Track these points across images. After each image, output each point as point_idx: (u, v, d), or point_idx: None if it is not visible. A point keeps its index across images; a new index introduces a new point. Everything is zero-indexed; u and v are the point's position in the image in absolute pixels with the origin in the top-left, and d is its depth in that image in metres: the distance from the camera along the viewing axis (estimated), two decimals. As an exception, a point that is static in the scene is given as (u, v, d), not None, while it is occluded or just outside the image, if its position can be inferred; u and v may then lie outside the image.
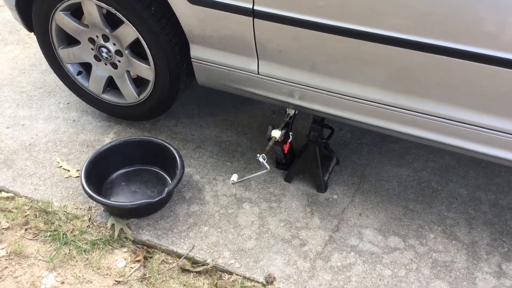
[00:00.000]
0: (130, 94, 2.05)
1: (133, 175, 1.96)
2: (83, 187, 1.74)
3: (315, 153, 1.87)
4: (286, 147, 1.85)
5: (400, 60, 1.44)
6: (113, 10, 1.77)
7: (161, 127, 2.21)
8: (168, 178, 1.91)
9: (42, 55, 2.15)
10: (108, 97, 2.14)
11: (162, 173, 1.95)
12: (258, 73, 1.71)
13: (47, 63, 2.16)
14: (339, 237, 1.76)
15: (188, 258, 1.69)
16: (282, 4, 1.47)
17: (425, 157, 2.07)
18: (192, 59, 1.80)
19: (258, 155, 1.70)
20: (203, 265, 1.67)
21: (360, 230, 1.79)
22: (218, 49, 1.71)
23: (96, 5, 1.79)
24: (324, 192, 1.92)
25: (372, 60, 1.49)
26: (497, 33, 1.26)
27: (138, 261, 1.69)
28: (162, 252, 1.71)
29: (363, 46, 1.45)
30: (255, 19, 1.54)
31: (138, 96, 2.03)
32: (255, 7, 1.51)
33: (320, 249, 1.72)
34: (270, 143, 1.74)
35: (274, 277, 1.63)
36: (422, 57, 1.39)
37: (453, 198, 1.90)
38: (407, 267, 1.67)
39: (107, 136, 2.16)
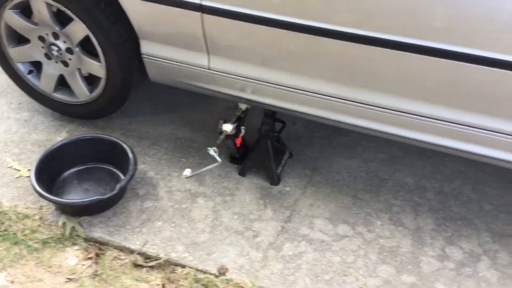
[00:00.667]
0: (82, 92, 2.04)
1: (85, 174, 1.95)
2: (32, 185, 1.72)
3: (267, 147, 1.91)
4: (238, 141, 1.88)
5: (346, 54, 1.50)
6: (62, 8, 1.77)
7: (115, 125, 2.21)
8: (122, 175, 1.91)
9: (-8, 55, 2.12)
10: (59, 96, 2.12)
11: (116, 170, 1.95)
12: (209, 68, 1.74)
13: (-3, 63, 2.13)
14: (291, 227, 1.81)
15: (141, 254, 1.70)
16: (230, -1, 1.52)
17: (374, 149, 2.15)
18: (142, 55, 1.82)
19: (209, 148, 1.73)
20: (156, 259, 1.68)
21: (311, 220, 1.84)
22: (168, 45, 1.74)
23: (45, 2, 1.79)
24: (277, 185, 1.96)
25: (320, 54, 1.55)
26: (431, 25, 1.34)
27: (90, 258, 1.69)
28: (114, 248, 1.72)
29: (312, 40, 1.50)
30: (203, 14, 1.57)
31: (90, 94, 2.03)
32: (203, 2, 1.54)
33: (272, 240, 1.76)
34: (221, 136, 1.78)
35: (226, 268, 1.65)
36: (366, 50, 1.45)
37: (400, 187, 1.98)
38: (355, 253, 1.73)
39: (59, 135, 2.14)
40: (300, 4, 1.46)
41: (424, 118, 1.56)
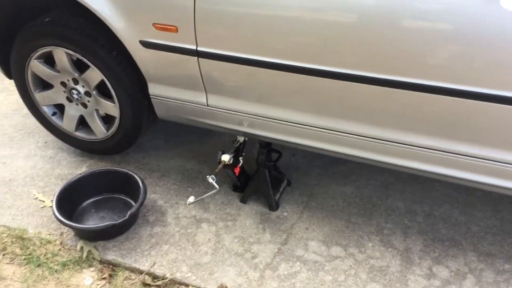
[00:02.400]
0: (99, 130, 2.28)
1: (102, 203, 2.15)
2: (54, 213, 1.93)
3: (264, 175, 2.08)
4: (237, 170, 2.06)
5: (336, 91, 1.64)
6: (80, 57, 2.02)
7: (130, 160, 2.43)
8: (134, 204, 2.10)
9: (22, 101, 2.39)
10: (80, 134, 2.36)
11: (129, 199, 2.15)
12: (207, 105, 1.94)
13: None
14: (287, 249, 1.95)
15: (149, 274, 1.86)
16: (221, 44, 1.72)
17: (367, 176, 2.29)
18: (150, 96, 2.04)
19: (208, 176, 1.91)
20: (162, 279, 1.84)
21: (306, 242, 1.98)
22: (171, 86, 1.95)
23: (65, 52, 2.04)
24: (276, 210, 2.12)
25: (312, 92, 1.70)
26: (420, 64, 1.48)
27: (104, 278, 1.86)
28: (126, 269, 1.89)
29: (303, 79, 1.66)
30: (199, 58, 1.78)
31: (107, 132, 2.26)
32: (199, 48, 1.75)
33: (269, 260, 1.90)
34: (220, 166, 1.96)
35: (226, 287, 1.80)
36: (356, 87, 1.59)
37: (391, 211, 2.11)
38: (347, 273, 1.85)
39: (80, 169, 2.37)
40: (291, 47, 1.61)
41: (414, 148, 1.67)
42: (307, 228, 2.04)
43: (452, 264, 1.87)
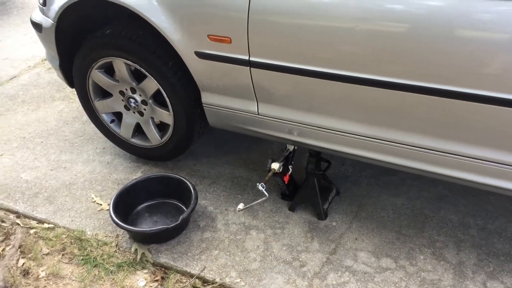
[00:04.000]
0: (154, 138, 2.36)
1: (155, 207, 2.23)
2: (111, 216, 2.02)
3: (313, 184, 2.09)
4: (286, 179, 2.08)
5: (386, 100, 1.64)
6: (138, 67, 2.11)
7: (182, 166, 2.51)
8: (185, 209, 2.17)
9: (83, 108, 2.52)
10: (136, 141, 2.46)
11: (180, 205, 2.21)
12: (258, 114, 1.98)
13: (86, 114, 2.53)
14: (335, 259, 1.94)
15: (199, 278, 1.91)
16: (273, 54, 1.75)
17: (419, 187, 2.25)
18: (203, 104, 2.10)
19: (258, 184, 1.94)
20: (212, 283, 1.89)
21: (355, 252, 1.97)
22: (224, 95, 2.00)
23: (124, 63, 2.14)
24: (324, 219, 2.12)
25: (363, 101, 1.70)
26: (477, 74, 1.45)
27: (157, 280, 1.93)
28: (177, 272, 1.95)
29: (354, 88, 1.67)
30: (251, 68, 1.83)
31: (161, 139, 2.34)
32: (251, 58, 1.80)
33: (317, 270, 1.90)
34: (269, 174, 1.99)
35: (274, 293, 1.82)
36: (408, 97, 1.58)
37: (443, 224, 2.06)
38: (397, 285, 1.82)
39: (135, 175, 2.46)
40: (342, 57, 1.63)
41: (468, 159, 1.64)
42: (356, 239, 2.03)
43: (508, 279, 1.80)
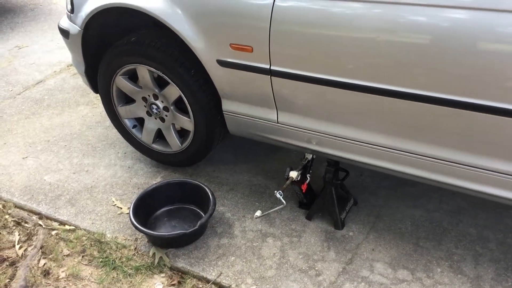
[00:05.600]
0: (175, 144, 2.40)
1: (174, 212, 2.26)
2: (130, 220, 2.05)
3: (331, 194, 2.09)
4: (303, 187, 2.09)
5: (406, 111, 1.65)
6: (161, 74, 2.15)
7: (201, 172, 2.54)
8: (203, 215, 2.19)
9: (106, 113, 2.58)
10: (157, 147, 2.50)
11: (198, 210, 2.24)
12: (278, 122, 2.00)
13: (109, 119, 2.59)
14: (351, 269, 1.94)
15: (215, 283, 1.93)
16: (294, 64, 1.78)
17: (438, 199, 2.24)
18: (223, 112, 2.13)
19: (276, 191, 1.96)
20: (228, 289, 1.91)
21: (372, 263, 1.96)
22: (244, 103, 2.03)
23: (148, 70, 2.19)
24: (341, 229, 2.12)
25: (382, 111, 1.71)
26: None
27: (173, 285, 1.95)
28: (194, 277, 1.97)
29: (374, 99, 1.68)
30: (272, 77, 1.85)
31: (181, 145, 2.38)
32: (272, 67, 1.82)
33: (333, 279, 1.90)
34: (288, 182, 2.00)
35: (289, 301, 1.83)
36: (429, 108, 1.59)
37: (462, 237, 2.04)
38: (413, 297, 1.81)
39: (155, 180, 2.50)
40: (362, 68, 1.64)
41: (491, 172, 1.62)
42: (373, 249, 2.02)
43: (528, 296, 1.78)
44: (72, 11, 2.29)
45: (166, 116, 2.33)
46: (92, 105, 3.29)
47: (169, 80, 2.15)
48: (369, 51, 1.60)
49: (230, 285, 1.91)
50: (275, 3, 1.71)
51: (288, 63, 1.79)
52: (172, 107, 2.27)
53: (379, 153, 1.83)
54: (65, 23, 2.41)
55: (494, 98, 1.47)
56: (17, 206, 2.39)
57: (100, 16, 2.18)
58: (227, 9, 1.81)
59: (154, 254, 2.06)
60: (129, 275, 2.00)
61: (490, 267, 1.90)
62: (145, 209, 2.19)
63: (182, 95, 2.16)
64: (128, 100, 2.45)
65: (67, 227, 2.25)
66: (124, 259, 2.06)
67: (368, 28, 1.57)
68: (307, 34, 1.69)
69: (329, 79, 1.72)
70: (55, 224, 2.27)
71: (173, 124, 2.36)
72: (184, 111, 2.25)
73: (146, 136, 2.50)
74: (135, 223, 2.03)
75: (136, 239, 2.15)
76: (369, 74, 1.64)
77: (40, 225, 2.27)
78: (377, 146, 1.81)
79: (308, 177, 2.10)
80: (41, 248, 2.14)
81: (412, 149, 1.75)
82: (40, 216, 2.32)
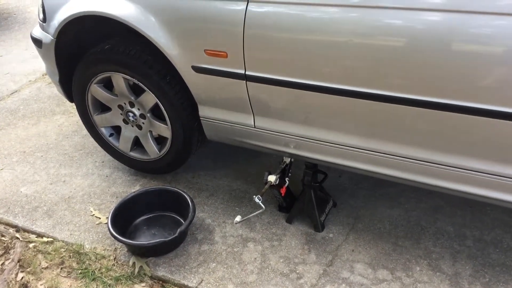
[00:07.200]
0: (152, 151, 2.39)
1: (153, 221, 2.24)
2: (109, 229, 2.03)
3: (310, 196, 2.10)
4: (283, 191, 2.10)
5: (382, 113, 1.66)
6: (136, 81, 2.14)
7: (180, 179, 2.52)
8: (183, 222, 2.18)
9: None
10: (135, 154, 2.48)
11: (178, 217, 2.23)
12: (255, 127, 2.00)
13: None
14: (332, 271, 1.95)
15: (197, 291, 1.92)
16: (269, 68, 1.78)
17: (416, 199, 2.26)
18: (200, 118, 2.13)
19: (254, 196, 1.96)
20: (209, 296, 1.90)
21: (352, 264, 1.97)
22: (221, 108, 2.03)
23: (123, 78, 2.17)
24: (321, 231, 2.13)
25: (359, 113, 1.72)
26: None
27: (154, 293, 1.94)
28: (174, 286, 1.95)
29: (351, 102, 1.69)
30: (247, 82, 1.85)
31: (159, 152, 2.36)
32: (247, 72, 1.82)
33: (314, 282, 1.91)
34: (266, 186, 2.00)
35: (271, 306, 1.82)
36: (404, 110, 1.60)
37: (440, 235, 2.07)
38: (393, 296, 1.83)
39: (134, 188, 2.48)
40: (338, 71, 1.65)
41: (466, 171, 1.65)
42: (353, 250, 2.04)
43: (505, 291, 1.81)
44: (44, 20, 2.26)
45: (143, 123, 2.32)
46: (68, 114, 3.25)
47: (145, 88, 2.14)
48: (344, 54, 1.61)
49: (212, 292, 1.90)
50: (248, 8, 1.71)
51: (263, 68, 1.79)
52: (148, 115, 2.26)
53: (356, 155, 1.84)
54: (38, 33, 2.38)
55: (467, 98, 1.49)
56: (-8, 219, 2.34)
57: (72, 25, 2.16)
58: (200, 15, 1.81)
59: (134, 263, 2.04)
60: (109, 285, 1.97)
61: (467, 264, 1.93)
62: (124, 218, 2.17)
63: (159, 102, 2.15)
64: (104, 108, 2.43)
65: (44, 239, 2.22)
66: (103, 270, 2.03)
67: (343, 31, 1.58)
68: (280, 38, 1.69)
69: (305, 83, 1.73)
70: (33, 237, 2.23)
71: (151, 132, 2.34)
72: (161, 118, 2.24)
73: (123, 144, 2.48)
74: (113, 233, 2.01)
75: (115, 249, 2.13)
76: (345, 77, 1.65)
77: (17, 238, 2.22)
78: (354, 148, 1.83)
79: (287, 181, 2.11)
80: (18, 261, 2.10)
81: (388, 150, 1.77)
82: (17, 229, 2.28)
